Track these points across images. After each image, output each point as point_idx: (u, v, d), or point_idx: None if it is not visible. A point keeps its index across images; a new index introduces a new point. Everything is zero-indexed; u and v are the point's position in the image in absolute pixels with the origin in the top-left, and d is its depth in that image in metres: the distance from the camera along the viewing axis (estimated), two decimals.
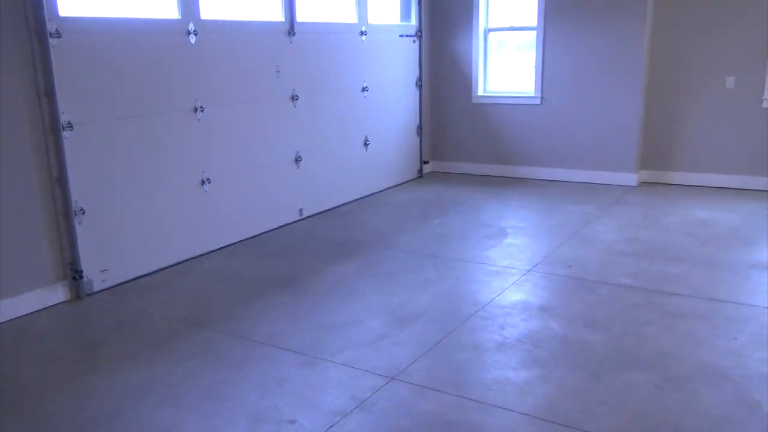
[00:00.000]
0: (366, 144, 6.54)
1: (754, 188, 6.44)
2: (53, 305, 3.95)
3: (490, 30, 7.32)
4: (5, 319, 3.72)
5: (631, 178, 6.78)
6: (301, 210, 5.77)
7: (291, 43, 5.45)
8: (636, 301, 3.84)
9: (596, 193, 6.51)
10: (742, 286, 4.05)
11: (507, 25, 7.30)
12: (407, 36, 7.05)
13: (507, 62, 7.45)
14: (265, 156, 5.35)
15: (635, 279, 4.18)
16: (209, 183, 4.83)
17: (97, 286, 4.14)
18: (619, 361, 3.11)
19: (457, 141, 7.67)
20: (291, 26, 5.42)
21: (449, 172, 7.73)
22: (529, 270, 4.40)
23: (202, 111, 4.70)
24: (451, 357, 3.20)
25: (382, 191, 6.82)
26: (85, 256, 4.04)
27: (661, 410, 2.69)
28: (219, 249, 4.98)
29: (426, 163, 7.65)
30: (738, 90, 6.35)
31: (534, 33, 6.99)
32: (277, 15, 5.38)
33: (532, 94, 7.11)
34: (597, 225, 5.43)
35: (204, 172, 4.79)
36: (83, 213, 4.01)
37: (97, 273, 4.13)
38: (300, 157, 5.68)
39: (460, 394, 2.84)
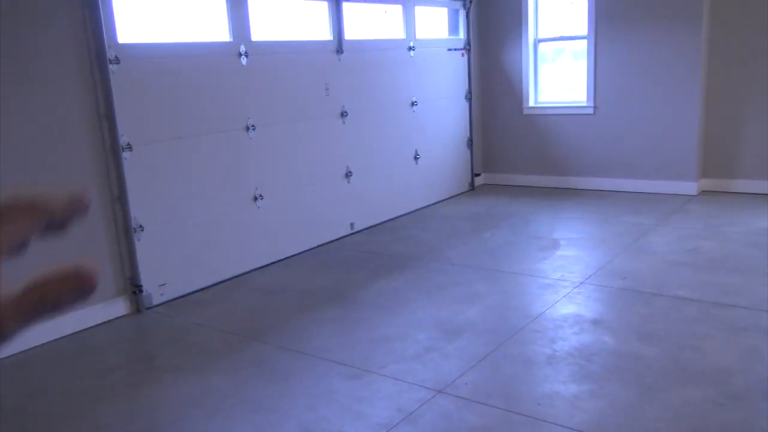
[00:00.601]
0: (416, 158, 6.57)
1: None
2: (114, 318, 4.11)
3: (540, 41, 7.26)
4: (69, 333, 3.89)
5: (691, 187, 6.57)
6: (352, 224, 5.83)
7: (339, 60, 5.54)
8: (694, 314, 3.71)
9: (654, 203, 6.33)
10: None
11: (557, 35, 7.22)
12: (455, 50, 7.06)
13: (560, 72, 7.37)
14: (316, 172, 5.44)
15: (693, 291, 4.04)
16: (262, 199, 4.94)
17: (156, 300, 4.29)
18: (675, 376, 3.01)
19: (509, 153, 7.61)
20: (339, 44, 5.52)
21: (501, 184, 7.67)
22: (582, 282, 4.31)
23: (254, 129, 4.83)
24: (500, 370, 3.17)
25: (433, 205, 6.82)
26: (144, 271, 4.20)
27: (720, 428, 2.59)
28: (271, 264, 5.08)
29: (478, 175, 7.62)
30: None
31: (585, 42, 6.89)
32: (326, 34, 5.49)
33: (585, 104, 6.99)
34: (654, 236, 5.28)
35: (257, 188, 4.91)
36: (142, 230, 4.17)
37: (155, 287, 4.28)
38: (350, 172, 5.75)
39: (508, 408, 2.81)
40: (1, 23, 3.51)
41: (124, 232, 4.12)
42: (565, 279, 4.39)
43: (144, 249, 4.19)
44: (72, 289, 0.44)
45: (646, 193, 6.75)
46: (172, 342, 3.77)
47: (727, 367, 3.06)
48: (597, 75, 6.85)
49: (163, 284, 4.32)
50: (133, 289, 4.18)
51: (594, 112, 6.95)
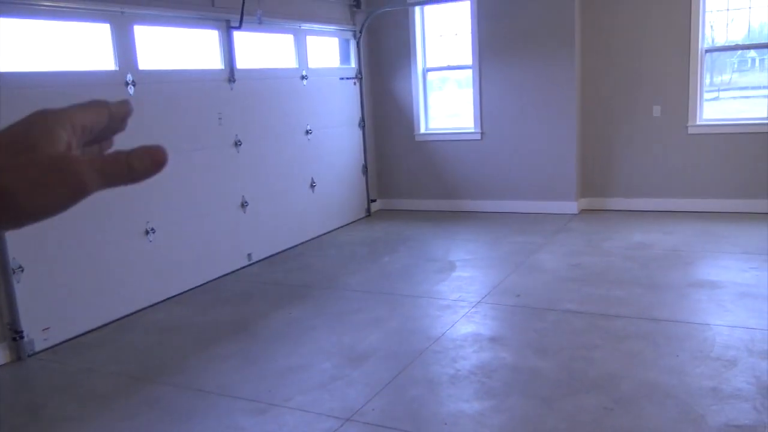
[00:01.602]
0: (312, 186, 6.57)
1: (687, 210, 6.72)
2: None
3: (429, 70, 7.53)
4: None
5: (572, 206, 7.00)
6: (249, 255, 5.72)
7: (232, 89, 5.48)
8: (583, 326, 3.93)
9: (540, 223, 6.68)
10: (681, 305, 4.21)
11: (444, 65, 7.52)
12: (347, 78, 7.17)
13: (446, 99, 7.65)
14: (211, 202, 5.32)
15: (581, 304, 4.29)
16: (153, 233, 4.76)
17: (39, 346, 4.00)
18: (569, 386, 3.17)
19: (403, 178, 7.78)
20: (231, 73, 5.46)
21: (397, 209, 7.82)
22: (479, 302, 4.46)
23: None
24: (406, 393, 3.20)
25: (330, 232, 6.83)
26: (25, 314, 3.91)
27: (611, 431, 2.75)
28: (166, 300, 4.88)
29: (374, 201, 7.73)
30: (664, 118, 6.67)
31: (470, 71, 7.22)
32: (217, 63, 5.42)
33: (472, 130, 7.30)
34: (542, 254, 5.56)
35: (148, 222, 4.72)
36: (22, 270, 3.89)
37: (38, 332, 3.99)
38: (246, 202, 5.66)
39: (416, 431, 2.84)
40: None
41: (2, 273, 3.82)
42: (463, 299, 4.53)
43: (24, 291, 3.91)
44: (143, 158, 0.49)
45: (532, 213, 7.11)
46: (59, 390, 3.52)
47: (615, 374, 3.27)
48: (482, 102, 7.19)
49: (47, 328, 4.04)
50: (13, 335, 3.87)
51: (481, 137, 7.27)
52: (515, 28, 6.89)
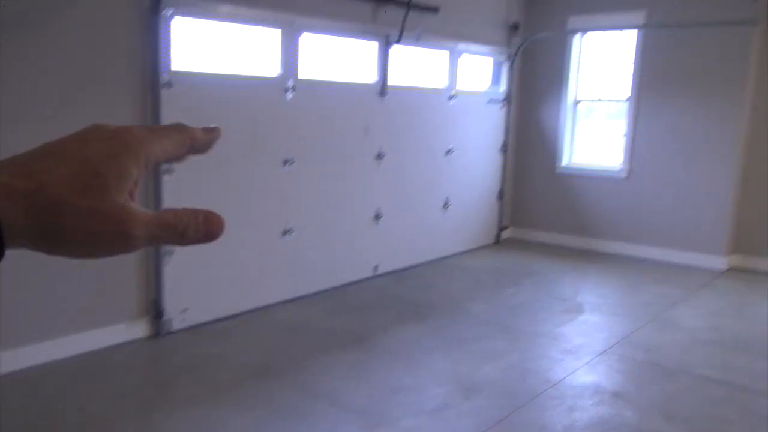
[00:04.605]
0: (446, 206, 6.57)
1: None
2: (133, 340, 4.13)
3: (579, 101, 7.29)
4: (86, 350, 3.91)
5: (720, 262, 6.47)
6: (376, 267, 5.82)
7: (382, 102, 5.61)
8: (719, 396, 3.61)
9: (682, 275, 6.24)
10: None
11: (596, 98, 7.25)
12: (495, 102, 7.11)
13: (595, 131, 7.37)
14: (347, 210, 5.47)
15: (719, 371, 3.94)
16: (291, 233, 4.97)
17: (177, 326, 4.31)
18: None
19: (538, 209, 7.58)
20: (383, 86, 5.59)
21: (527, 240, 7.62)
22: (605, 351, 4.24)
23: (291, 164, 4.89)
24: None
25: (458, 254, 6.79)
26: (169, 295, 4.23)
27: None
28: (294, 299, 5.08)
29: (505, 228, 7.59)
30: None
31: (624, 104, 6.90)
32: (371, 75, 5.58)
33: (619, 168, 6.97)
34: (680, 309, 5.19)
35: (287, 222, 4.94)
36: (171, 254, 4.21)
37: (177, 312, 4.30)
38: (380, 214, 5.77)
39: None
40: (76, 50, 3.63)
41: (154, 254, 4.16)
42: (588, 345, 4.32)
43: (171, 273, 4.23)
44: (198, 228, 0.46)
45: (674, 263, 6.65)
46: (188, 370, 3.77)
47: None
48: (635, 139, 6.84)
49: (186, 309, 4.34)
50: (155, 312, 4.20)
51: (628, 176, 6.92)
52: (682, 62, 6.49)
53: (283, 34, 4.74)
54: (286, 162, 4.86)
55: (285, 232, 4.94)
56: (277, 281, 4.95)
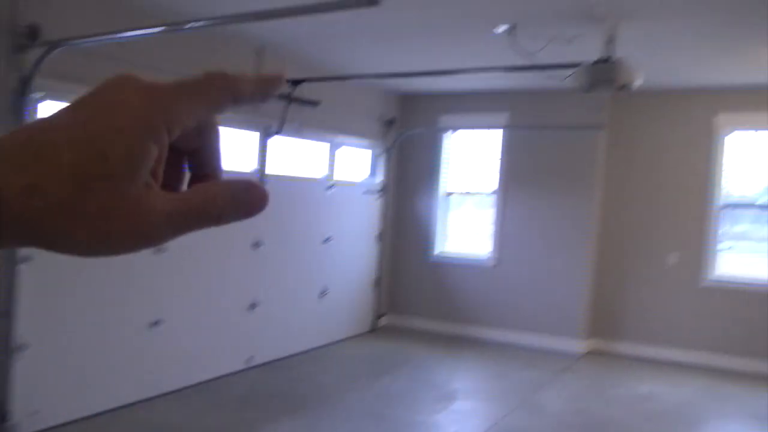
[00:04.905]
0: (323, 294, 6.58)
1: (702, 364, 6.57)
2: None
3: (451, 193, 7.72)
4: None
5: (579, 345, 6.89)
6: (250, 358, 5.66)
7: None
8: None
9: (546, 359, 6.56)
10: None
11: (466, 190, 7.71)
12: (371, 192, 7.36)
13: (466, 220, 7.78)
14: (221, 300, 5.34)
15: None
16: (157, 325, 4.75)
17: (25, 430, 3.92)
18: None
19: (414, 296, 7.78)
20: (261, 176, 5.64)
21: (404, 327, 7.74)
22: None
23: (163, 252, 4.74)
24: None
25: (335, 342, 6.76)
26: (18, 395, 3.87)
27: None
28: (163, 395, 4.80)
29: (382, 315, 7.69)
30: (682, 265, 6.69)
31: (492, 196, 7.38)
32: (251, 164, 5.62)
33: (487, 256, 7.36)
34: (547, 392, 5.43)
35: (156, 313, 4.74)
36: (25, 349, 3.89)
37: (26, 415, 3.93)
38: (256, 303, 5.68)
39: None
40: None
41: (4, 351, 3.82)
42: None
43: (23, 368, 3.88)
44: (238, 207, 0.40)
45: (539, 347, 7.00)
46: None
47: None
48: (500, 230, 7.29)
49: (37, 411, 3.98)
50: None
51: (496, 263, 7.31)
52: (541, 160, 7.09)
53: None
54: (157, 250, 4.72)
55: (153, 324, 4.73)
56: (144, 377, 4.68)
